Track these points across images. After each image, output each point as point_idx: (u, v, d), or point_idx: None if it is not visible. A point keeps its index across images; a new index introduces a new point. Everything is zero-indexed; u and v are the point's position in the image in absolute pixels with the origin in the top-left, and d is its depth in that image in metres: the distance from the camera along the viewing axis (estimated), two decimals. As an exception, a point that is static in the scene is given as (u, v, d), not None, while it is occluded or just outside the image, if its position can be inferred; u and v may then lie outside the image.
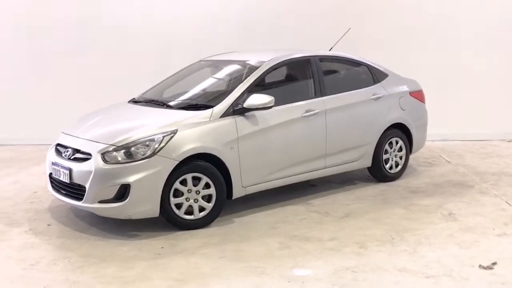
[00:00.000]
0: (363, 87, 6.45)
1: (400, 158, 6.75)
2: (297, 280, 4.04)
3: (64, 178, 5.07)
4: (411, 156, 7.44)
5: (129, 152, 4.84)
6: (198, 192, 5.06)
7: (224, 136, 5.20)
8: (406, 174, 6.97)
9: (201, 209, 5.11)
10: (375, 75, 6.60)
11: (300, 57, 6.12)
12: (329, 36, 7.29)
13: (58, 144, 5.44)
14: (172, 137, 4.93)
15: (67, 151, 5.18)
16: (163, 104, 5.67)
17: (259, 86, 5.69)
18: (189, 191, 5.02)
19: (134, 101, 6.02)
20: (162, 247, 4.71)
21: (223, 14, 9.19)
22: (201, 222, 5.11)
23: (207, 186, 5.10)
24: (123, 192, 4.77)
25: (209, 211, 5.14)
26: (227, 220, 5.36)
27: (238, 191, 5.36)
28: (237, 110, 5.34)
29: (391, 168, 6.66)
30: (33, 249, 4.70)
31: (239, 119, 5.32)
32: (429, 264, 4.29)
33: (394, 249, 4.60)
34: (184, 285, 3.98)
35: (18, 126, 9.20)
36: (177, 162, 4.89)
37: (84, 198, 4.88)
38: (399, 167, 6.75)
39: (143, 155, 4.82)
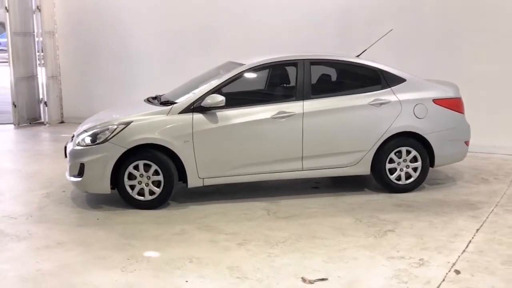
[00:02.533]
0: (363, 92, 6.26)
1: (414, 169, 6.32)
2: (136, 259, 4.57)
3: (64, 155, 6.34)
4: (473, 169, 7.11)
5: (95, 138, 5.85)
6: (148, 178, 5.81)
7: (177, 130, 5.82)
8: (433, 187, 6.54)
9: (152, 192, 5.85)
10: (386, 80, 6.32)
11: (286, 60, 6.30)
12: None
13: (78, 129, 6.72)
14: (124, 127, 5.77)
15: (73, 134, 6.43)
16: (157, 101, 6.46)
17: (234, 88, 6.13)
18: (141, 175, 5.81)
19: (147, 99, 6.87)
20: (98, 219, 5.64)
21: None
22: (150, 204, 5.86)
23: (157, 173, 5.81)
24: (82, 170, 5.81)
25: (158, 195, 5.85)
26: (183, 206, 5.99)
27: (194, 181, 5.93)
28: (196, 108, 5.89)
29: (399, 179, 6.31)
30: (22, 206, 6.05)
31: (197, 116, 5.87)
32: (263, 268, 4.38)
33: (262, 251, 4.73)
34: (56, 248, 4.85)
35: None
36: (124, 149, 5.72)
37: (67, 171, 6.08)
38: (412, 179, 6.33)
39: (99, 141, 5.78)
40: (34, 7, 11.44)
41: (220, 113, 5.91)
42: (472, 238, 5.00)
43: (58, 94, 11.91)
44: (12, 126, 11.33)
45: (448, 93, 6.48)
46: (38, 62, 11.79)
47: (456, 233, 5.11)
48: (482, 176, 7.04)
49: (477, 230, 5.20)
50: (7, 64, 11.59)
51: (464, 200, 6.09)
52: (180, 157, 5.83)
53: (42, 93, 11.84)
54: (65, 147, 6.28)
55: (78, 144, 5.90)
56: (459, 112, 6.48)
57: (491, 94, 8.26)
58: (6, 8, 11.16)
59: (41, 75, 11.76)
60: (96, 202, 6.11)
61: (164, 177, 5.80)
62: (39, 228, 5.37)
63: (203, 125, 5.86)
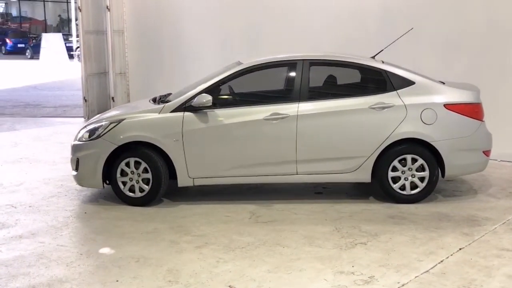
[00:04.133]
0: (365, 95, 5.92)
1: (421, 179, 5.87)
2: (88, 254, 4.67)
3: (73, 151, 6.60)
4: (501, 180, 6.63)
5: (92, 134, 6.03)
6: (139, 175, 5.90)
7: (167, 129, 5.85)
8: (449, 199, 6.08)
9: (141, 189, 5.92)
10: (391, 82, 5.92)
11: (284, 61, 6.10)
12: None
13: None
14: (116, 125, 5.89)
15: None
16: (158, 100, 6.50)
17: (228, 87, 6.06)
18: (132, 172, 5.91)
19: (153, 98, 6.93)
20: (85, 212, 5.81)
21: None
22: (139, 201, 5.94)
23: (147, 170, 5.87)
24: (77, 164, 6.02)
25: (147, 193, 5.91)
26: (174, 205, 6.01)
27: (183, 181, 5.92)
28: (188, 107, 5.88)
29: (403, 188, 5.90)
30: (39, 198, 6.33)
31: (188, 115, 5.86)
32: (201, 272, 4.29)
33: (215, 255, 4.64)
34: (24, 238, 5.07)
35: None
36: (115, 146, 5.84)
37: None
38: (418, 189, 5.88)
39: (93, 137, 5.95)
40: (104, 6, 11.99)
41: (211, 113, 5.85)
42: (447, 258, 4.56)
43: (125, 90, 12.43)
44: (82, 119, 11.96)
45: (464, 98, 5.94)
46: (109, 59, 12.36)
47: (433, 251, 4.69)
48: (511, 191, 6.39)
49: (460, 249, 4.74)
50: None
51: (470, 216, 5.56)
52: (170, 156, 5.85)
53: (110, 89, 12.40)
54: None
55: (79, 140, 6.10)
56: (477, 119, 5.92)
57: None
58: (79, 7, 11.81)
59: (110, 71, 12.31)
60: (97, 196, 6.29)
61: (152, 175, 5.85)
62: (27, 217, 5.62)
63: (194, 125, 5.83)
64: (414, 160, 5.85)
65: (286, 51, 8.71)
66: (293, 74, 5.98)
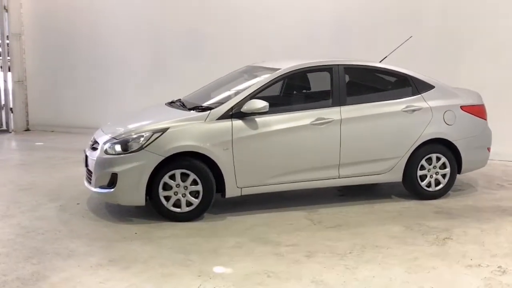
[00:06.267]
0: (396, 99, 6.20)
1: (443, 176, 6.31)
2: (207, 276, 4.26)
3: (84, 164, 5.86)
4: (485, 176, 7.17)
5: (126, 145, 5.43)
6: (186, 188, 5.46)
7: (217, 137, 5.52)
8: (458, 193, 6.55)
9: (189, 203, 5.50)
10: (415, 87, 6.29)
11: (320, 66, 6.13)
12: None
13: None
14: (161, 134, 5.40)
15: (92, 141, 5.96)
16: (183, 106, 6.13)
17: (270, 93, 5.90)
18: (178, 186, 5.45)
19: (170, 103, 6.56)
20: (136, 233, 5.23)
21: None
22: (187, 216, 5.51)
23: (196, 182, 5.47)
24: (113, 180, 5.38)
25: (196, 207, 5.51)
26: (220, 217, 5.67)
27: (232, 191, 5.63)
28: (236, 114, 5.61)
29: (429, 185, 6.28)
30: (42, 221, 5.55)
31: (236, 122, 5.59)
32: (350, 281, 4.18)
33: (336, 263, 4.52)
34: (110, 265, 4.45)
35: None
36: (162, 158, 5.35)
37: (91, 182, 5.61)
38: (441, 185, 6.32)
39: (133, 148, 5.38)
40: (2, 6, 10.70)
41: (259, 119, 5.66)
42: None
43: (23, 100, 11.19)
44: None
45: (474, 100, 6.54)
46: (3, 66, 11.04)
47: (513, 239, 5.11)
48: (497, 182, 7.15)
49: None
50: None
51: (496, 206, 6.13)
52: (219, 166, 5.53)
53: (4, 99, 11.08)
54: (86, 156, 5.82)
55: (106, 153, 5.47)
56: (483, 119, 6.55)
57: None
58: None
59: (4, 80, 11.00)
60: (121, 214, 5.72)
61: (203, 187, 5.48)
62: (75, 244, 4.91)
63: (243, 132, 5.60)
64: (438, 159, 6.28)
65: (232, 57, 8.81)
66: (331, 78, 6.03)
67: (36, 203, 6.19)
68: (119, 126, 5.89)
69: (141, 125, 5.62)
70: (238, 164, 5.58)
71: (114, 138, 5.56)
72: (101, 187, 5.50)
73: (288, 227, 5.42)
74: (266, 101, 5.62)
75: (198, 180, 5.47)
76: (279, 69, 6.00)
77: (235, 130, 5.57)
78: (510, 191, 6.78)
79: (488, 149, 6.66)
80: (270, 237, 5.11)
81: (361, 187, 6.57)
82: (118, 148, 5.46)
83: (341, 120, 5.89)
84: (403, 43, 7.01)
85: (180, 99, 6.50)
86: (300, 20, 9.34)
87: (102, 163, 5.47)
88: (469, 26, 8.47)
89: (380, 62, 6.64)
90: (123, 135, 5.52)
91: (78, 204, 6.13)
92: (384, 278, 4.25)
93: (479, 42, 8.49)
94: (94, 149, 5.74)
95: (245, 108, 5.58)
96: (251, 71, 6.59)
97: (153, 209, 5.54)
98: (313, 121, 5.81)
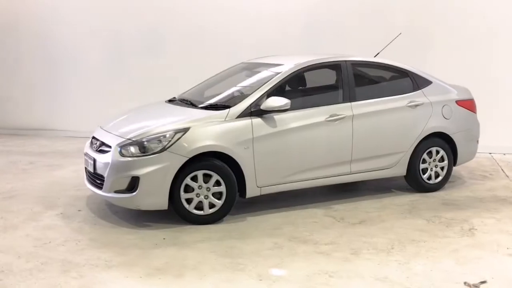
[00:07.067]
0: (399, 94, 6.31)
1: (442, 168, 6.50)
2: (269, 279, 4.12)
3: (90, 168, 5.49)
4: (464, 168, 7.32)
5: (144, 146, 5.14)
6: (208, 189, 5.26)
7: (238, 136, 5.35)
8: (451, 185, 6.73)
9: (212, 205, 5.30)
10: (416, 82, 6.43)
11: (330, 62, 6.12)
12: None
13: (93, 137, 5.87)
14: (183, 134, 5.17)
15: (96, 143, 5.60)
16: (191, 104, 5.91)
17: (283, 89, 5.81)
18: (200, 187, 5.24)
19: (170, 101, 6.32)
20: (164, 238, 4.97)
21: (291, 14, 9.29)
22: (210, 218, 5.31)
23: (218, 183, 5.28)
24: (134, 183, 5.08)
25: (219, 208, 5.32)
26: (240, 218, 5.52)
27: (252, 191, 5.49)
28: (255, 111, 5.48)
29: (429, 178, 6.45)
30: (52, 230, 5.15)
31: (256, 120, 5.46)
32: (412, 276, 4.19)
33: (387, 259, 4.52)
34: (160, 274, 4.20)
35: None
36: (186, 159, 5.12)
37: (103, 187, 5.27)
38: (440, 178, 6.51)
39: (154, 150, 5.10)
40: None
41: (277, 117, 5.56)
42: None
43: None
44: None
45: (466, 95, 6.78)
46: None
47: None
48: (479, 173, 7.46)
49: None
50: None
51: (494, 196, 6.39)
52: (240, 165, 5.38)
53: None
54: (94, 159, 5.46)
55: (122, 155, 5.16)
56: (474, 113, 6.81)
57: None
58: None
59: None
60: (133, 219, 5.44)
61: (226, 187, 5.30)
62: (107, 254, 4.60)
63: (263, 130, 5.48)
64: (437, 152, 6.46)
65: (194, 55, 8.66)
66: (340, 74, 6.03)
67: (32, 211, 5.74)
68: (127, 126, 5.59)
69: (156, 125, 5.35)
70: (258, 163, 5.46)
71: (128, 139, 5.25)
72: (117, 192, 5.17)
73: (315, 225, 5.36)
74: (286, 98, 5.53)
75: (221, 181, 5.29)
76: (282, 64, 5.96)
77: (255, 129, 5.44)
78: (496, 181, 7.09)
79: (477, 141, 6.93)
80: (304, 236, 5.03)
81: (358, 183, 6.64)
82: (134, 149, 5.16)
83: (352, 116, 5.91)
84: (393, 39, 7.13)
85: (183, 96, 6.28)
86: (272, 13, 9.29)
87: (118, 167, 5.15)
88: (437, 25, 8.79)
89: (375, 56, 6.73)
90: (138, 136, 5.22)
91: (79, 211, 5.76)
92: (440, 271, 4.29)
93: (447, 40, 8.82)
94: (102, 151, 5.40)
95: (266, 105, 5.46)
96: (251, 68, 6.46)
97: (163, 213, 5.30)
98: (328, 118, 5.78)
